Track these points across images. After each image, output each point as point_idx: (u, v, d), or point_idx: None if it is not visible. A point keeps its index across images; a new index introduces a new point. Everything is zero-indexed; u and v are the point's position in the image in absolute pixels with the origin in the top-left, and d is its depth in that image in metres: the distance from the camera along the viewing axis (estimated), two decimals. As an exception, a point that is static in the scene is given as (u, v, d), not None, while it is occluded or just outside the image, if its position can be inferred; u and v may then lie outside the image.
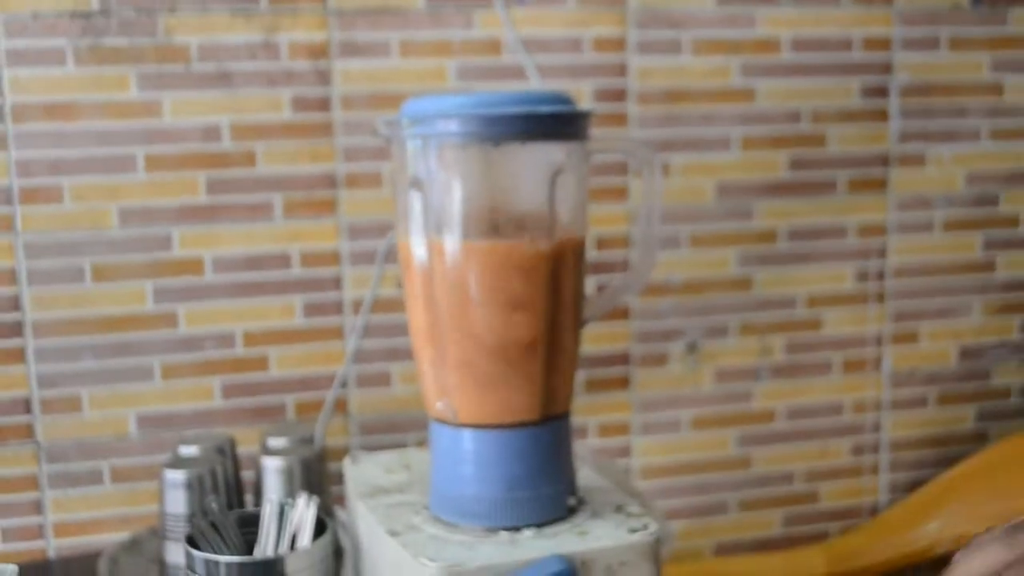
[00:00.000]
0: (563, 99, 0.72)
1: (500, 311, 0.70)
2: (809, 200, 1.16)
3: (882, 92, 1.16)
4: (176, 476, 0.87)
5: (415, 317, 0.75)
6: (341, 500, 0.94)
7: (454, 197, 0.70)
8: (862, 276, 1.19)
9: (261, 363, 1.06)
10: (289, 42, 1.02)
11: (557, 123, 0.70)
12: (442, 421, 0.74)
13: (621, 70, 1.10)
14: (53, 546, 1.04)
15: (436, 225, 0.70)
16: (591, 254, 1.10)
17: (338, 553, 0.86)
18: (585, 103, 1.09)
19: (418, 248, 0.72)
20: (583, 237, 0.74)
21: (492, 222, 0.70)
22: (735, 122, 1.13)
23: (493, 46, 1.06)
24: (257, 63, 1.02)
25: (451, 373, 0.72)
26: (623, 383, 1.15)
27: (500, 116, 0.68)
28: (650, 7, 1.09)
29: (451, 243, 0.70)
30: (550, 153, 0.71)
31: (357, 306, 1.06)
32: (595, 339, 1.13)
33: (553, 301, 0.72)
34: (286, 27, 1.02)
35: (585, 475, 0.82)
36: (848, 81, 1.15)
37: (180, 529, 0.86)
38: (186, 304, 1.03)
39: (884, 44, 1.15)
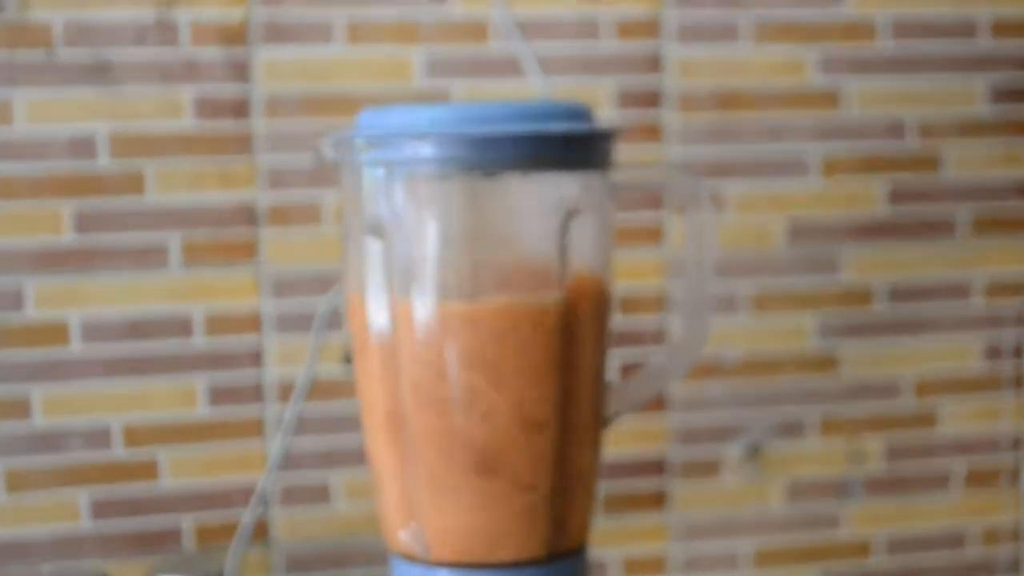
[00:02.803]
0: (579, 112, 0.73)
1: (492, 402, 0.71)
2: (917, 246, 1.19)
3: (1019, 95, 1.19)
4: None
5: (370, 407, 0.75)
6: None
7: (428, 247, 0.71)
8: (993, 352, 1.21)
9: (148, 470, 1.06)
10: (192, 21, 1.04)
11: (572, 147, 0.71)
12: (408, 557, 0.75)
13: (654, 64, 1.12)
14: None
15: (402, 282, 0.71)
16: (615, 321, 1.11)
17: None
18: (606, 111, 1.11)
19: (376, 312, 0.73)
20: (606, 299, 0.75)
21: (480, 281, 0.71)
22: (813, 137, 1.15)
23: (476, 30, 1.08)
24: (147, 50, 1.04)
25: (421, 487, 0.73)
26: (658, 501, 1.16)
27: (494, 138, 0.69)
28: (696, -24, 1.12)
29: (423, 307, 0.71)
30: (561, 187, 0.72)
31: (285, 391, 1.08)
32: (619, 438, 1.14)
33: (563, 389, 0.72)
34: (188, 0, 1.04)
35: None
36: (971, 80, 1.18)
37: None
38: (42, 386, 1.04)
39: (1023, 29, 1.19)
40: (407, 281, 0.71)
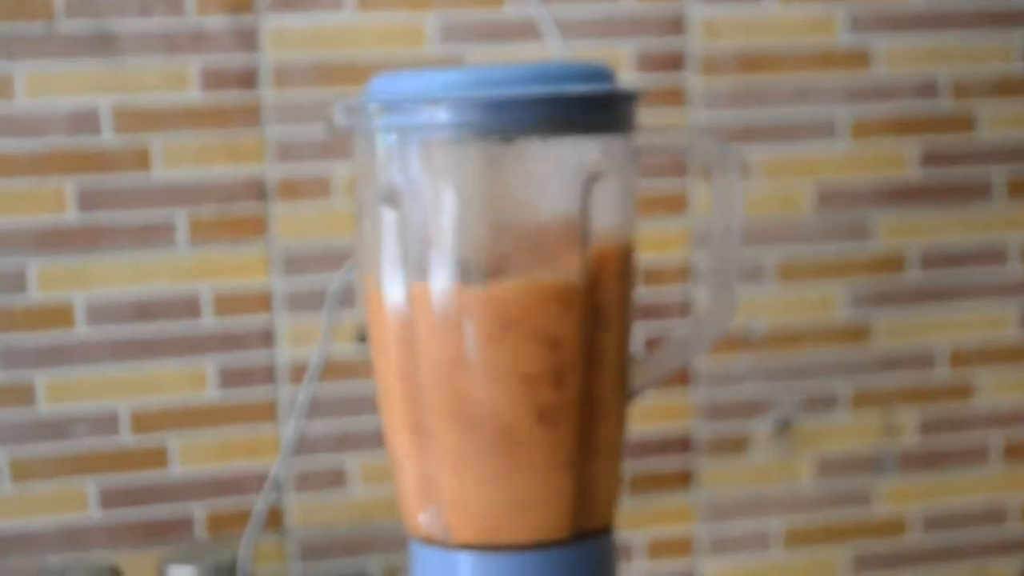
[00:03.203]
0: (601, 73, 0.73)
1: (511, 379, 0.71)
2: (951, 211, 1.18)
3: (1057, 52, 1.19)
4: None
5: (387, 387, 0.75)
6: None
7: (445, 216, 0.70)
8: (1030, 320, 1.21)
9: (157, 457, 1.06)
10: None
11: (593, 109, 0.71)
12: (428, 541, 0.75)
13: (677, 25, 1.11)
14: None
15: (418, 256, 0.71)
16: (638, 293, 1.12)
17: None
18: (627, 75, 1.10)
19: (391, 289, 0.73)
20: (631, 268, 0.75)
21: (500, 251, 0.71)
22: (842, 98, 1.14)
23: (492, -8, 1.08)
24: (151, 20, 1.03)
25: (441, 469, 0.73)
26: (683, 479, 1.16)
27: (512, 100, 0.69)
28: (718, -66, 1.12)
29: (440, 282, 0.71)
30: (583, 152, 0.71)
31: (298, 372, 1.08)
32: (644, 415, 1.14)
33: (587, 364, 0.72)
34: None
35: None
36: (1006, 35, 1.17)
37: None
38: (47, 371, 1.04)
39: (1059, -18, 1.18)
40: (423, 252, 0.71)
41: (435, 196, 0.70)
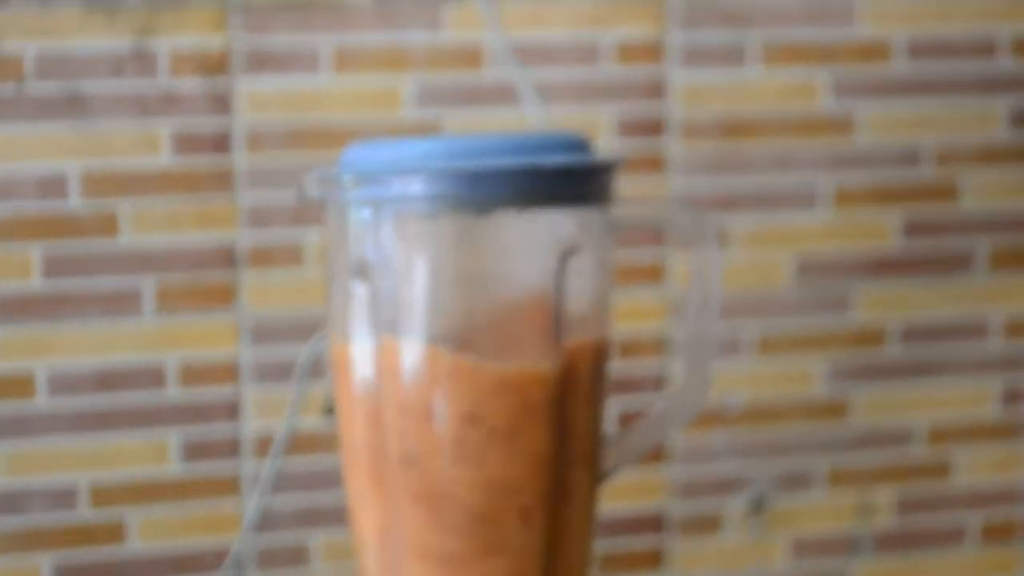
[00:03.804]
0: (577, 144, 0.73)
1: (482, 459, 0.70)
2: (933, 283, 1.18)
3: (1041, 121, 1.19)
4: None
5: (353, 462, 0.75)
6: None
7: (417, 289, 0.70)
8: (1011, 397, 1.20)
9: (115, 532, 1.05)
10: (171, 50, 1.04)
11: (569, 182, 0.71)
12: None
13: (657, 90, 1.12)
14: None
15: (389, 328, 0.71)
16: (613, 365, 1.11)
17: None
18: (607, 140, 1.10)
19: (361, 360, 0.73)
20: (605, 345, 0.75)
21: (473, 327, 0.70)
22: (824, 166, 1.15)
23: (471, 56, 1.08)
24: (123, 82, 1.03)
25: (406, 553, 0.72)
26: (655, 559, 1.15)
27: (487, 172, 0.69)
28: (700, -4, 1.12)
29: (410, 357, 0.70)
30: (558, 225, 0.71)
31: (263, 445, 1.07)
32: (615, 492, 1.10)
33: (559, 443, 0.72)
34: (166, 28, 1.04)
35: None
36: (991, 103, 1.17)
37: None
38: (4, 443, 1.03)
39: (1046, 48, 1.19)
40: (394, 326, 0.71)
41: (408, 268, 0.70)
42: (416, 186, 0.69)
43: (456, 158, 0.70)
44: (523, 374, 0.70)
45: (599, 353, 0.74)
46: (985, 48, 1.17)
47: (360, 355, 0.72)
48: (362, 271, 0.71)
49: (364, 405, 0.73)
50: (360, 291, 0.72)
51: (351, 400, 0.74)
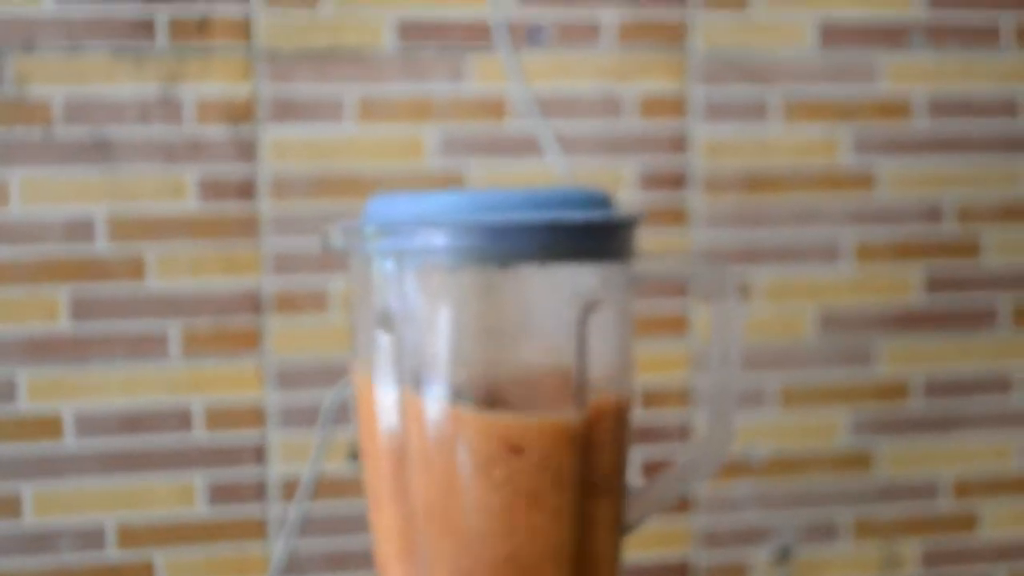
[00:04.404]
0: (599, 199, 0.74)
1: (506, 511, 0.71)
2: (956, 338, 1.18)
3: (1064, 178, 1.19)
4: None
5: (380, 508, 0.75)
6: None
7: (440, 341, 0.71)
8: (1037, 451, 1.21)
9: (143, 573, 1.06)
10: (197, 98, 1.05)
11: (591, 237, 0.71)
12: None
13: (679, 144, 1.12)
14: None
15: (413, 379, 0.71)
16: (637, 415, 1.12)
17: None
18: (629, 193, 1.11)
19: (385, 408, 0.73)
20: (628, 398, 0.75)
21: (496, 378, 0.71)
22: (846, 221, 1.15)
23: (494, 107, 1.09)
24: (150, 128, 1.05)
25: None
26: (680, 607, 1.15)
27: (509, 227, 0.69)
28: (722, 52, 1.13)
29: (434, 409, 0.71)
30: (580, 279, 0.72)
31: (289, 489, 1.07)
32: (640, 542, 1.13)
33: (583, 496, 0.72)
34: (193, 76, 1.05)
35: None
36: (1012, 161, 1.18)
37: None
38: (33, 483, 1.04)
39: (1066, 108, 1.19)
40: (417, 377, 0.71)
41: (430, 320, 0.71)
42: (439, 239, 0.70)
43: (479, 211, 0.70)
44: (546, 427, 0.71)
45: (622, 406, 0.75)
46: (1006, 107, 1.17)
47: (384, 404, 0.73)
48: (385, 321, 0.72)
49: (389, 454, 0.73)
50: (384, 341, 0.72)
51: (376, 448, 0.75)
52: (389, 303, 0.72)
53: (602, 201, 0.74)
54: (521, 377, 0.71)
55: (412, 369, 0.71)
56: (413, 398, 0.71)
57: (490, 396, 0.71)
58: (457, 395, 0.71)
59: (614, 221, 0.72)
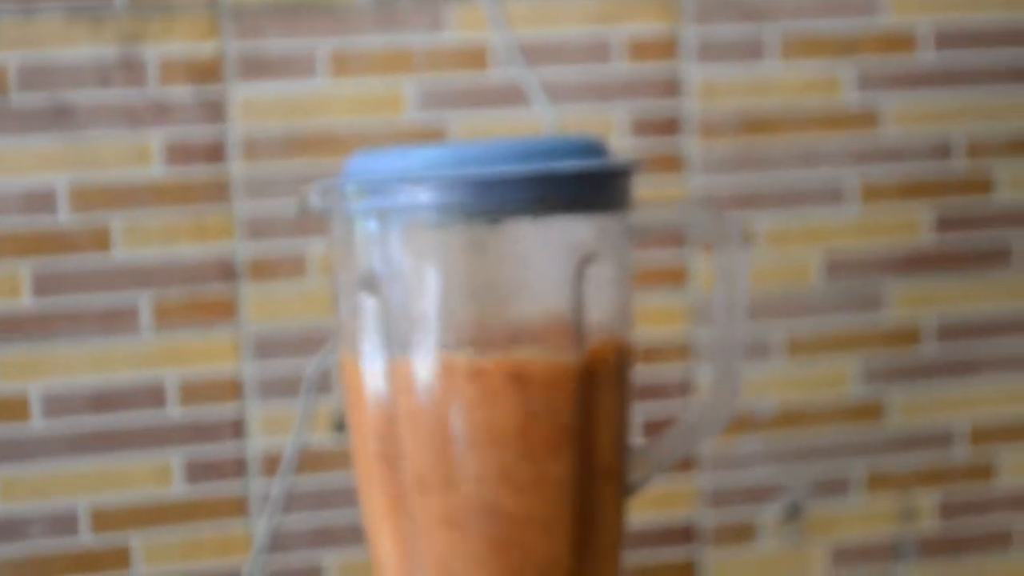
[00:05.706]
0: (592, 146, 0.73)
1: (501, 472, 0.70)
2: (969, 278, 1.18)
3: (1077, 109, 1.19)
4: None
5: (369, 485, 0.75)
6: None
7: (428, 303, 0.70)
8: (1056, 394, 1.21)
9: (119, 557, 1.06)
10: (160, 58, 1.04)
11: (586, 187, 0.71)
12: None
13: (672, 87, 1.12)
14: None
15: (400, 342, 0.71)
16: (637, 372, 1.11)
17: None
18: (621, 140, 1.11)
19: (371, 375, 0.73)
20: (628, 357, 0.75)
21: (488, 340, 0.70)
22: (850, 161, 1.15)
23: (475, 56, 1.08)
24: (111, 92, 1.04)
25: (426, 570, 0.72)
26: (687, 571, 1.15)
27: (498, 180, 0.69)
28: (714, -11, 1.13)
29: (423, 368, 0.70)
30: (575, 233, 0.71)
31: (270, 464, 1.07)
32: (644, 503, 1.13)
33: (582, 457, 0.72)
34: (155, 35, 1.04)
35: None
36: (1023, 92, 1.17)
37: None
38: (1, 468, 1.04)
39: (1077, 34, 1.19)
40: (405, 341, 0.71)
41: (418, 281, 0.70)
42: (424, 195, 0.69)
43: (465, 165, 0.70)
44: (544, 367, 0.70)
45: (621, 356, 0.74)
46: (1015, 36, 1.17)
47: (370, 370, 0.73)
48: (370, 284, 0.72)
49: (377, 423, 0.73)
50: (368, 304, 0.72)
51: (363, 418, 0.74)
52: (373, 265, 0.71)
53: (595, 148, 0.73)
54: (515, 336, 0.70)
55: (399, 332, 0.71)
56: (402, 362, 0.71)
57: (483, 356, 0.70)
58: (446, 354, 0.70)
59: (611, 169, 0.72)
